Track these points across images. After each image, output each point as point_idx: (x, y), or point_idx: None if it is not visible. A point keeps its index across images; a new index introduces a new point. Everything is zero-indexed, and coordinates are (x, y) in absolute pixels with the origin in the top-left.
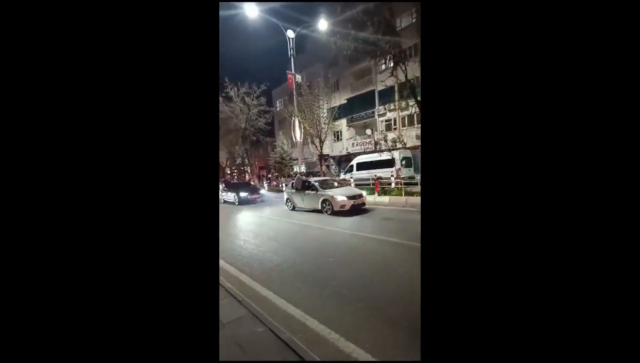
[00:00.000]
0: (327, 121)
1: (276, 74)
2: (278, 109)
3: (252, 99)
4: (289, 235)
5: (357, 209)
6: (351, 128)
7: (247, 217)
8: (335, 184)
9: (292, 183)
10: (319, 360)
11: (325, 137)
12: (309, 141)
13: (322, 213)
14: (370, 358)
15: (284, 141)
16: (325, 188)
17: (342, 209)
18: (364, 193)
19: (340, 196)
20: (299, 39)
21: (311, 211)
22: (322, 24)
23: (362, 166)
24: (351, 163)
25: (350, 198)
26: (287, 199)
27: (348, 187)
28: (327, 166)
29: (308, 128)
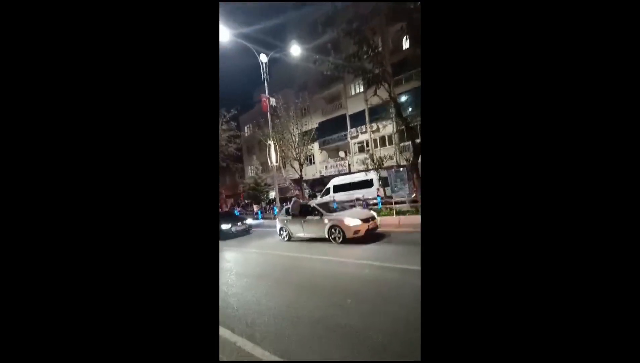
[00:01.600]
0: (306, 143)
1: (244, 100)
2: (247, 135)
3: (222, 124)
4: (292, 272)
5: (371, 234)
6: (324, 151)
7: (237, 256)
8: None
9: (287, 209)
10: (317, 359)
11: (305, 159)
12: (284, 165)
13: (330, 241)
14: None
15: (258, 166)
16: (331, 212)
17: (356, 235)
18: (374, 214)
19: (352, 219)
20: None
21: (308, 240)
22: (295, 49)
23: (339, 188)
24: (327, 186)
25: (364, 221)
26: (282, 228)
27: (357, 209)
28: (300, 190)
29: (286, 151)
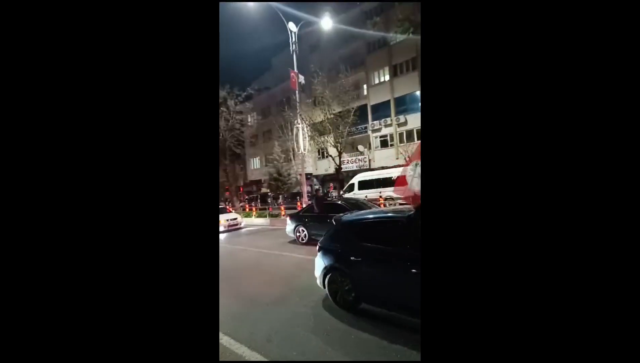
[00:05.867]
0: (347, 125)
1: (253, 84)
2: (250, 124)
3: (236, 104)
4: None
5: None
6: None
7: None
8: None
9: None
10: (314, 360)
11: (343, 147)
12: (312, 153)
13: None
14: None
15: (280, 154)
16: None
17: None
18: None
19: None
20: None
21: None
22: (327, 22)
23: (364, 185)
24: (351, 181)
25: None
26: None
27: None
28: (310, 186)
29: (323, 136)
